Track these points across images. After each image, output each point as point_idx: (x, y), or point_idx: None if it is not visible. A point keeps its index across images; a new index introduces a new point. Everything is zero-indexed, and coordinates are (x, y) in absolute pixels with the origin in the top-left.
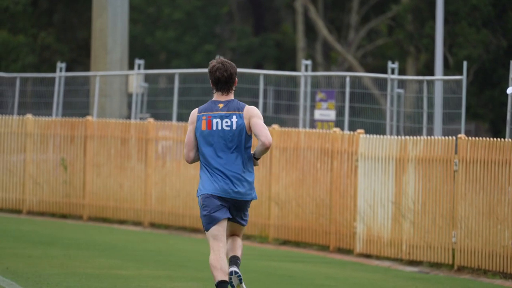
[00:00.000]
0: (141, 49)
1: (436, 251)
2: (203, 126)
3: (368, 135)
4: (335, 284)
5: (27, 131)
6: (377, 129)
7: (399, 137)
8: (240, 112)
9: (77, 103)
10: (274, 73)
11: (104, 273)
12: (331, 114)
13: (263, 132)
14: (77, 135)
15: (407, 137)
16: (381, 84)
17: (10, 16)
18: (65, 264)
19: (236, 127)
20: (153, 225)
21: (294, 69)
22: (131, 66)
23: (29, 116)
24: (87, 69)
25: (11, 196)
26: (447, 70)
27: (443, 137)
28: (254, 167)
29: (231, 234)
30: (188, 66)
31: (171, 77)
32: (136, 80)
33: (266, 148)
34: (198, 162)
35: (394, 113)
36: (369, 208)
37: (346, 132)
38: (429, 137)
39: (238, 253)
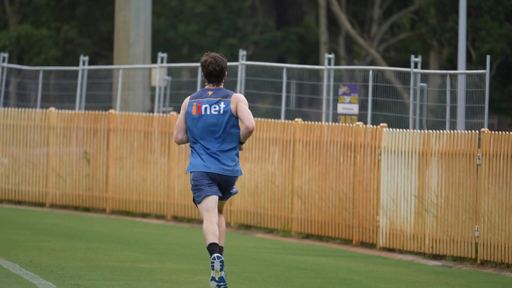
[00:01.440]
0: (164, 42)
1: (459, 245)
2: (194, 111)
3: (391, 129)
4: (358, 278)
5: (50, 124)
6: (400, 123)
7: (422, 131)
8: (228, 99)
9: (100, 96)
10: (297, 66)
11: (127, 266)
12: (354, 108)
13: (247, 117)
14: (100, 128)
15: (430, 131)
16: (404, 78)
17: (33, 9)
18: (88, 257)
19: (224, 112)
20: (176, 218)
21: (317, 63)
22: (154, 60)
23: (52, 109)
24: (110, 62)
25: (34, 189)
26: (470, 64)
27: (466, 131)
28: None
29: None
30: None
31: (194, 71)
32: (159, 73)
33: (249, 132)
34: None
35: (417, 107)
36: (392, 202)
37: (369, 126)
38: (452, 131)
39: (222, 242)
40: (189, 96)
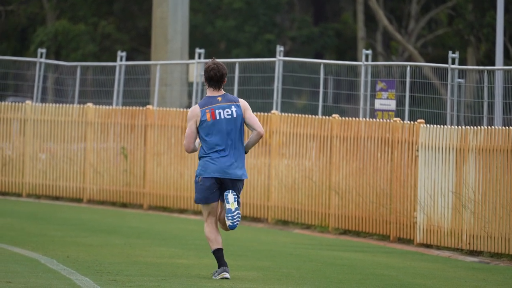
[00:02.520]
0: (201, 38)
1: (497, 241)
2: (208, 117)
3: (428, 125)
4: (396, 274)
5: (87, 120)
6: (437, 119)
7: (460, 127)
8: (237, 103)
9: (138, 92)
10: (335, 62)
11: (165, 262)
12: (392, 104)
13: (257, 124)
14: (138, 124)
15: (468, 127)
16: (442, 74)
17: (71, 5)
18: (126, 252)
19: (236, 115)
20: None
21: (354, 58)
22: (191, 55)
23: (89, 105)
24: (148, 58)
25: (71, 185)
26: (507, 60)
27: (503, 127)
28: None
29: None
30: (248, 55)
31: (231, 66)
32: (197, 69)
33: (260, 138)
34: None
35: (455, 103)
36: (429, 198)
37: (407, 122)
38: (489, 127)
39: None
40: (197, 105)
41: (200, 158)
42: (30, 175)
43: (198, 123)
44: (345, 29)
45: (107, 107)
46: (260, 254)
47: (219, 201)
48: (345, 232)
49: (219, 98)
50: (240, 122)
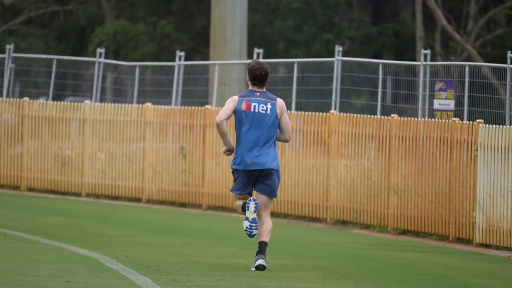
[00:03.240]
0: (260, 38)
1: None
2: (243, 107)
3: (487, 125)
4: (455, 274)
5: (146, 120)
6: (496, 119)
7: None
8: (274, 101)
9: (196, 91)
10: (393, 62)
11: (224, 261)
12: (450, 104)
13: (288, 130)
14: (196, 123)
15: None
16: (500, 74)
17: (130, 4)
18: (185, 252)
19: (271, 112)
20: (271, 214)
21: (413, 58)
22: (250, 55)
23: (148, 104)
24: (206, 58)
25: (130, 185)
26: None
27: None
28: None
29: (261, 206)
30: (307, 55)
31: (290, 66)
32: None
33: (286, 142)
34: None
35: None
36: (489, 198)
37: (465, 122)
38: None
39: (267, 238)
40: (238, 95)
41: (236, 142)
42: (89, 175)
43: (234, 110)
44: (404, 29)
45: (166, 107)
46: (319, 254)
47: (253, 190)
48: (404, 232)
49: (258, 93)
50: (271, 119)
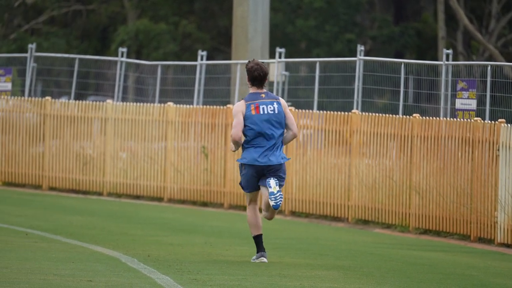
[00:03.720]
0: (281, 37)
1: None
2: (253, 111)
3: (509, 125)
4: (477, 273)
5: (168, 119)
6: None
7: None
8: (279, 101)
9: (218, 91)
10: (415, 62)
11: (245, 261)
12: (472, 103)
13: (294, 125)
14: (218, 123)
15: None
16: None
17: (152, 4)
18: (206, 251)
19: (278, 111)
20: (293, 213)
21: (435, 58)
22: (272, 55)
23: (170, 104)
24: (228, 57)
25: (152, 184)
26: None
27: None
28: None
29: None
30: (329, 54)
31: (311, 66)
32: (277, 68)
33: (294, 137)
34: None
35: None
36: (510, 197)
37: (487, 121)
38: None
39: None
40: (243, 100)
41: (243, 148)
42: (111, 174)
43: (243, 116)
44: (426, 29)
45: (188, 106)
46: (341, 254)
47: (260, 189)
48: (426, 231)
49: (263, 95)
50: (281, 117)
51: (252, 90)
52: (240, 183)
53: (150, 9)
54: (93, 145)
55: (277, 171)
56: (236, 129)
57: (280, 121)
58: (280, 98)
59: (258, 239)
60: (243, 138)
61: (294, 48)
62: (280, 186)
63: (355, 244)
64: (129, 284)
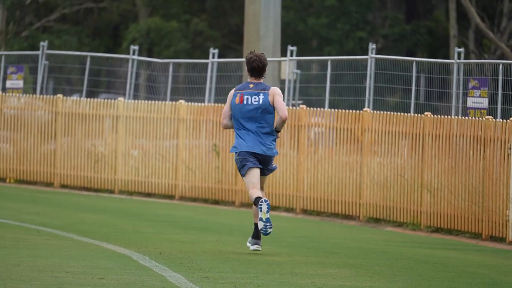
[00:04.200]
0: (293, 35)
1: None
2: (237, 101)
3: None
4: (488, 272)
5: (179, 117)
6: None
7: None
8: (266, 91)
9: (230, 89)
10: (427, 60)
11: (257, 259)
12: (484, 102)
13: (281, 108)
14: None
15: None
16: None
17: (163, 2)
18: (218, 249)
19: (263, 102)
20: (305, 211)
21: (446, 56)
22: (283, 53)
23: (181, 101)
24: (240, 55)
25: (163, 182)
26: None
27: None
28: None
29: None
30: (340, 53)
31: (323, 64)
32: (289, 66)
33: (283, 121)
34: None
35: None
36: None
37: (499, 120)
38: None
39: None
40: (234, 88)
41: (235, 132)
42: (123, 171)
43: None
44: (437, 27)
45: (199, 104)
46: (352, 252)
47: (259, 171)
48: (437, 230)
49: (251, 85)
50: (265, 107)
51: (249, 80)
52: (239, 170)
53: (162, 7)
54: (104, 143)
55: (266, 161)
56: (222, 117)
57: (265, 109)
58: (272, 88)
59: (258, 199)
60: (229, 125)
61: (305, 46)
62: (271, 171)
63: (366, 242)
64: (140, 282)
